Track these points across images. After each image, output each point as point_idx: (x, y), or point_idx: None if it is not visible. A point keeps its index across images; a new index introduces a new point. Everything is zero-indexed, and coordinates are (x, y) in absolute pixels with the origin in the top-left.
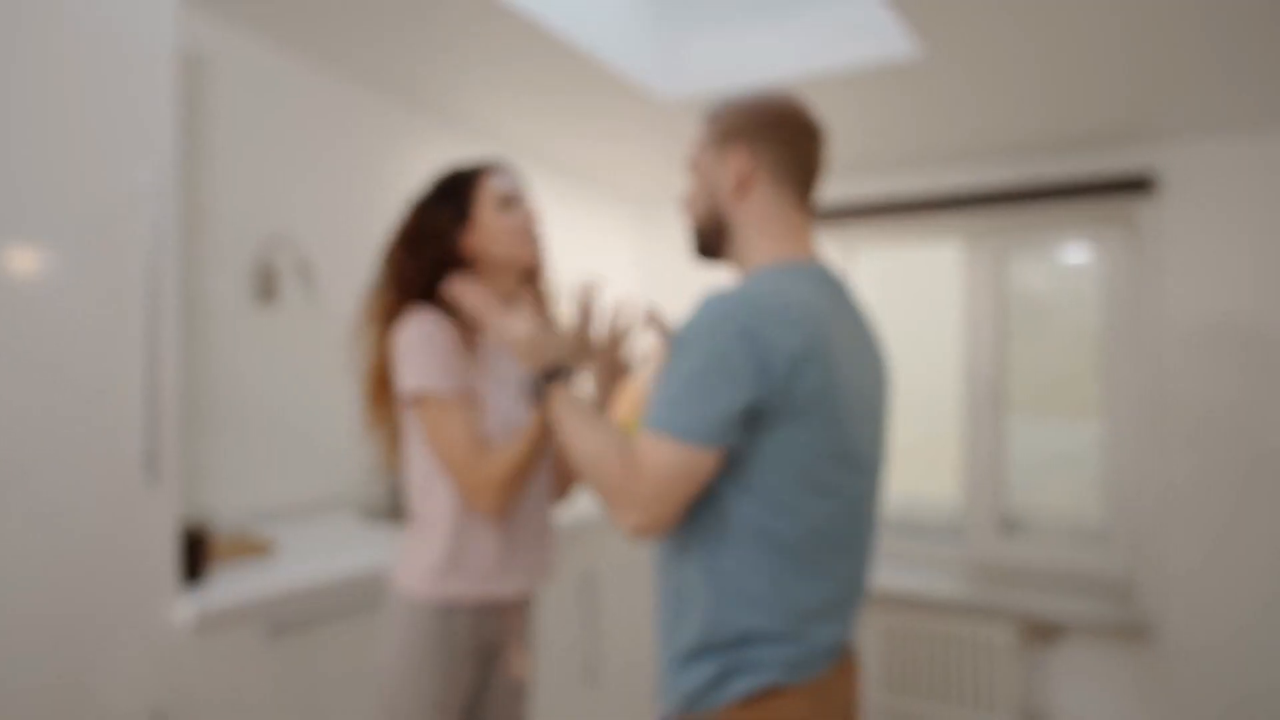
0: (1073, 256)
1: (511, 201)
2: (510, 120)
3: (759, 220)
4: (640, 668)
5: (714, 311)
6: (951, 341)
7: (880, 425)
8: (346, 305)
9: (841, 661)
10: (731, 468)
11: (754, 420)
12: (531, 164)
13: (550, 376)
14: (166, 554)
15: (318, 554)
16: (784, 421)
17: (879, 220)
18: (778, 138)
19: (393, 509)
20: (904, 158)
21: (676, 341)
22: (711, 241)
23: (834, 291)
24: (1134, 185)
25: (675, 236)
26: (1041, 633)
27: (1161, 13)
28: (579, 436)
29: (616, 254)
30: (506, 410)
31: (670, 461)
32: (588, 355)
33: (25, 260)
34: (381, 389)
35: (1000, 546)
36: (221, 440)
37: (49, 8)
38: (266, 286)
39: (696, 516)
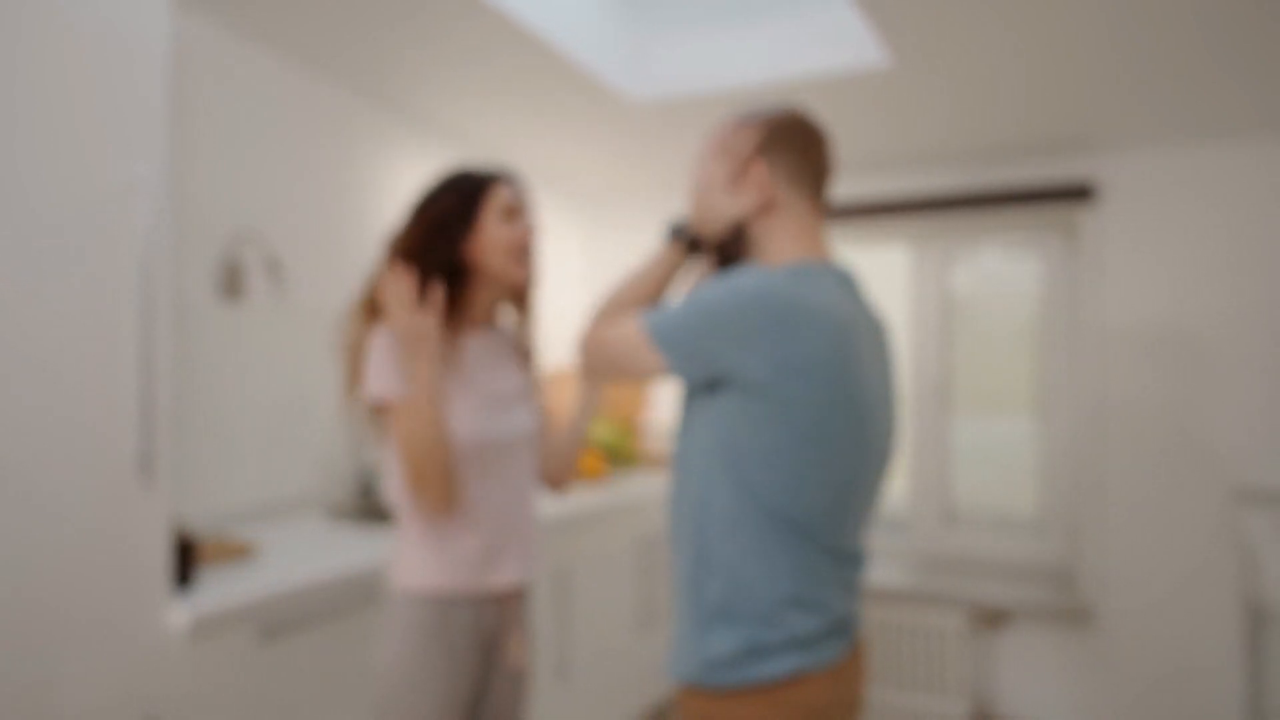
0: (1016, 261)
1: (514, 214)
2: (479, 120)
3: (780, 224)
4: (611, 663)
5: (760, 286)
6: (897, 342)
7: (891, 414)
8: (314, 304)
9: (854, 646)
10: (754, 445)
11: (772, 395)
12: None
13: (678, 234)
14: (160, 558)
15: (299, 556)
16: (810, 408)
17: (831, 224)
18: (790, 147)
19: (360, 509)
20: (858, 163)
21: (717, 280)
22: (731, 248)
23: (851, 290)
24: (1076, 193)
25: (628, 236)
26: (989, 619)
27: (1107, 32)
28: (631, 284)
29: (567, 255)
30: (474, 419)
31: (628, 338)
32: None
33: (18, 257)
34: (358, 372)
35: (947, 538)
36: (188, 441)
37: (47, 4)
38: (233, 283)
39: (717, 490)
